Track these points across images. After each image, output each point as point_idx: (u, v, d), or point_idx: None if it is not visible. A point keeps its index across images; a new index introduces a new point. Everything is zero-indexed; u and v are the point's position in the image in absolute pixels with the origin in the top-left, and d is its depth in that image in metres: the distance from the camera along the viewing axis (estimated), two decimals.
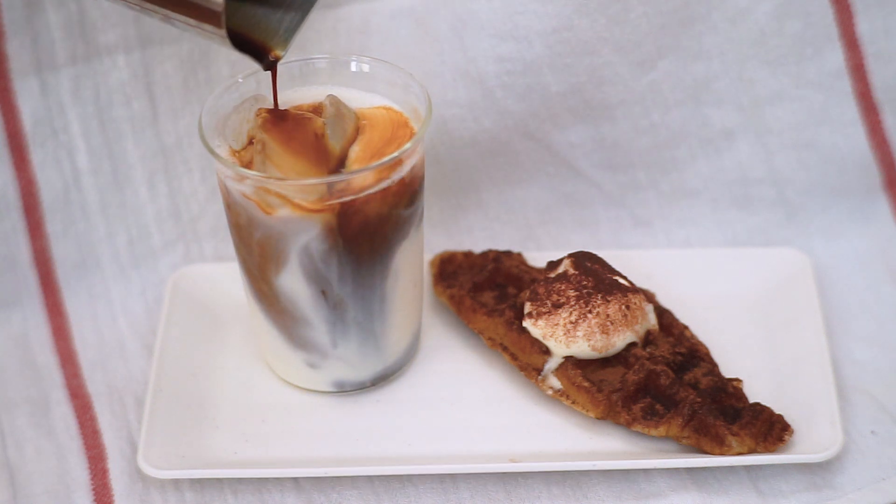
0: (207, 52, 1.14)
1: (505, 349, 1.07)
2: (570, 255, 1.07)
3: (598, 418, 1.03)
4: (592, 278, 1.05)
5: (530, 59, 1.14)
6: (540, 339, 1.05)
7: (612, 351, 1.04)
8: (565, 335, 1.03)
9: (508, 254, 1.13)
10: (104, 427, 1.08)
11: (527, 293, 1.07)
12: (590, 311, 1.03)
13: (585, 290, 1.04)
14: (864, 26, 1.15)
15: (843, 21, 1.15)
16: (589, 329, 1.03)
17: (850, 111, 1.17)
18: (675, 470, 1.02)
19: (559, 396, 1.04)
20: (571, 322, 1.03)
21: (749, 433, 1.00)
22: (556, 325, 1.04)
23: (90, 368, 1.11)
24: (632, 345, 1.04)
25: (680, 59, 1.16)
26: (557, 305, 1.04)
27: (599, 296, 1.04)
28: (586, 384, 1.03)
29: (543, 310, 1.04)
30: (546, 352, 1.04)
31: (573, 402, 1.04)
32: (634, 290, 1.06)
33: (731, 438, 1.00)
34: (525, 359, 1.06)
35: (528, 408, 1.06)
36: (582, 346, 1.03)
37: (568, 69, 1.15)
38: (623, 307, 1.04)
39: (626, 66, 1.15)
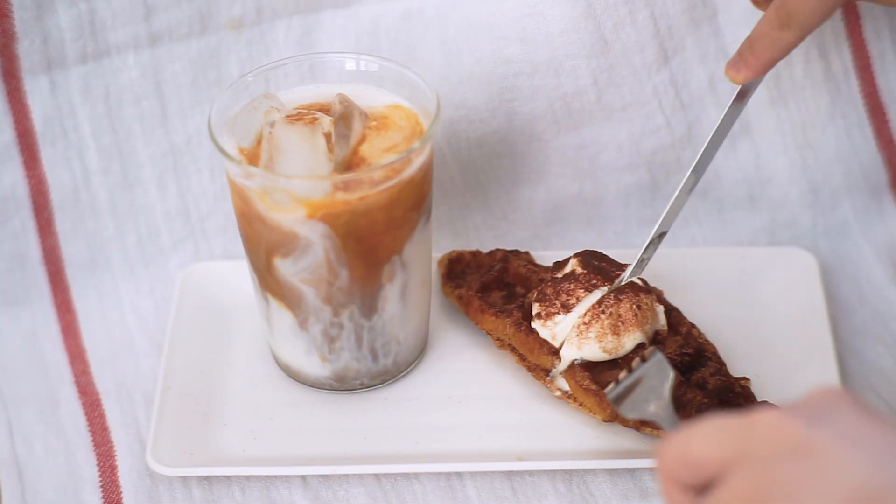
0: (217, 52, 1.15)
1: (513, 350, 1.07)
2: (576, 255, 1.07)
3: (604, 421, 1.03)
4: (600, 276, 1.05)
5: (537, 62, 1.15)
6: (549, 339, 1.04)
7: (622, 352, 1.04)
8: (577, 336, 1.03)
9: (516, 253, 1.13)
10: (113, 424, 1.08)
11: (535, 293, 1.07)
12: (602, 312, 1.03)
13: (596, 290, 1.04)
14: (871, 27, 1.16)
15: (849, 22, 1.16)
16: (601, 330, 1.03)
17: (857, 111, 1.17)
18: None
19: (567, 398, 1.04)
20: (585, 323, 1.03)
21: None
22: (567, 326, 1.04)
23: (99, 366, 1.12)
24: (640, 346, 1.04)
25: (686, 61, 1.16)
26: (567, 306, 1.04)
27: (612, 294, 1.04)
28: (594, 387, 1.03)
29: (552, 310, 1.04)
30: (554, 353, 1.04)
31: (580, 405, 1.04)
32: (647, 289, 1.05)
33: None
34: (533, 359, 1.06)
35: (536, 406, 1.06)
36: (593, 349, 1.03)
37: (574, 71, 1.15)
38: (634, 306, 1.04)
39: (632, 68, 1.16)
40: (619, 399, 0.96)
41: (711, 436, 0.76)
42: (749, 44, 0.99)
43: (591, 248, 1.08)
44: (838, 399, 0.76)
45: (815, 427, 0.74)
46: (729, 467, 0.75)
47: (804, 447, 0.73)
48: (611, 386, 0.98)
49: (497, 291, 1.11)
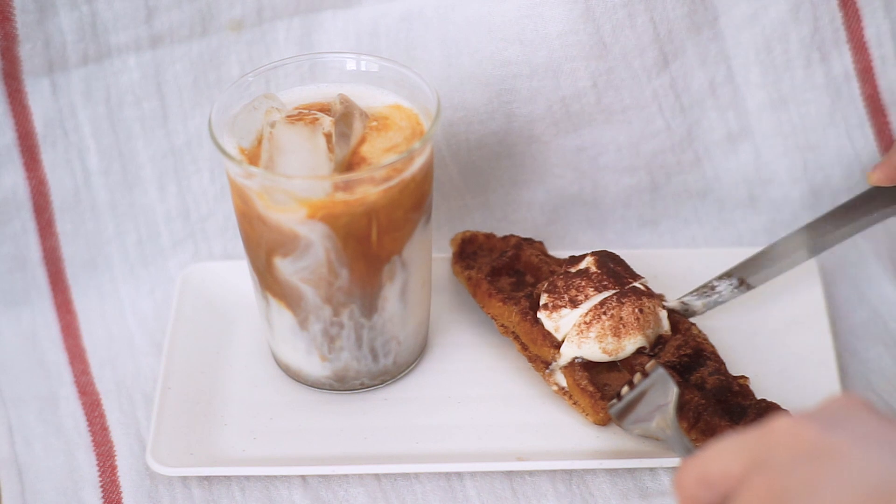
0: (217, 53, 1.15)
1: (516, 338, 1.07)
2: (593, 253, 1.07)
3: (596, 424, 1.03)
4: (613, 279, 1.05)
5: (536, 63, 1.15)
6: (552, 332, 1.04)
7: (623, 354, 1.04)
8: (578, 334, 1.03)
9: (530, 241, 1.12)
10: (113, 424, 1.08)
11: (545, 284, 1.06)
12: (604, 313, 1.03)
13: (606, 291, 1.04)
14: (872, 30, 1.16)
15: (850, 25, 1.16)
16: (602, 331, 1.03)
17: (858, 113, 1.17)
18: None
19: (563, 395, 1.04)
20: (586, 322, 1.03)
21: None
22: (570, 321, 1.04)
23: (99, 366, 1.12)
24: (640, 349, 1.04)
25: (686, 64, 1.16)
26: (575, 301, 1.04)
27: (615, 297, 1.04)
28: (591, 388, 1.02)
29: (560, 303, 1.04)
30: (557, 346, 1.04)
31: (575, 403, 1.04)
32: (650, 294, 1.05)
33: None
34: (535, 350, 1.05)
35: (535, 406, 1.06)
36: (593, 348, 1.03)
37: (574, 73, 1.15)
38: (636, 310, 1.04)
39: (632, 71, 1.16)
40: (622, 415, 0.96)
41: (728, 451, 0.76)
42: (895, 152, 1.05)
43: (592, 249, 1.08)
44: (851, 404, 0.76)
45: (830, 430, 0.74)
46: (747, 478, 0.75)
47: (820, 450, 0.73)
48: (613, 401, 0.97)
49: (507, 277, 1.11)
